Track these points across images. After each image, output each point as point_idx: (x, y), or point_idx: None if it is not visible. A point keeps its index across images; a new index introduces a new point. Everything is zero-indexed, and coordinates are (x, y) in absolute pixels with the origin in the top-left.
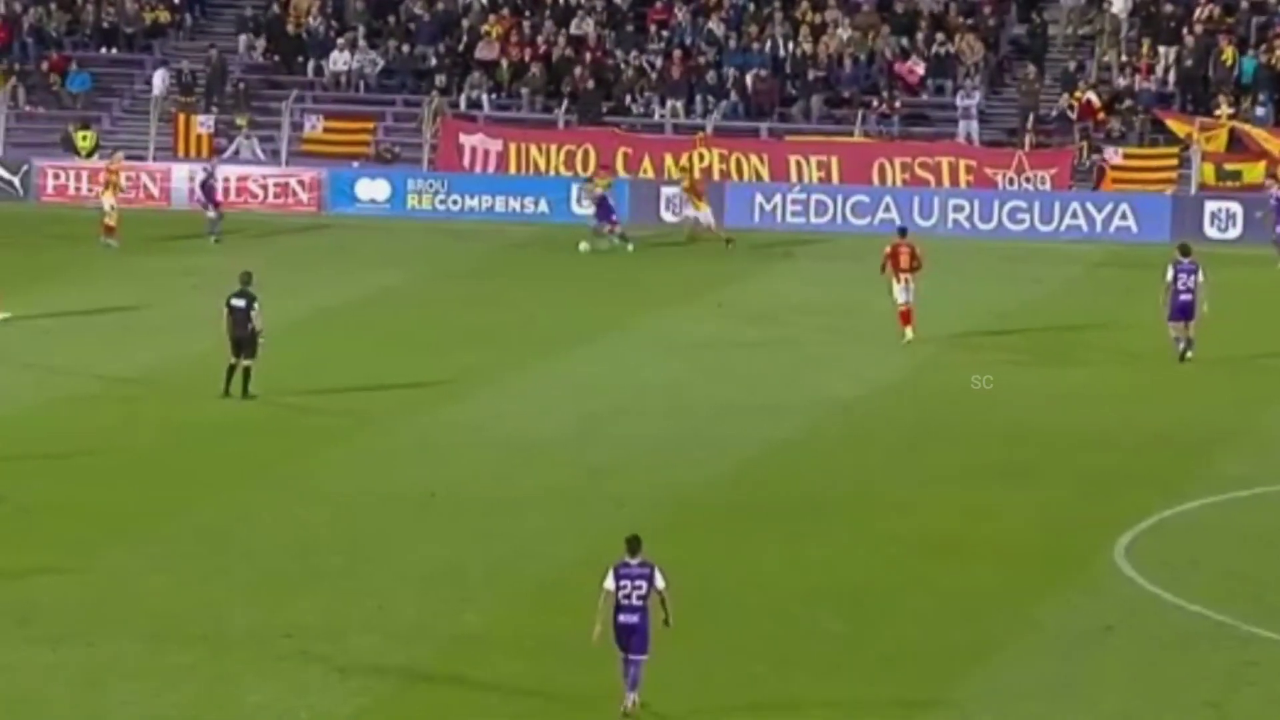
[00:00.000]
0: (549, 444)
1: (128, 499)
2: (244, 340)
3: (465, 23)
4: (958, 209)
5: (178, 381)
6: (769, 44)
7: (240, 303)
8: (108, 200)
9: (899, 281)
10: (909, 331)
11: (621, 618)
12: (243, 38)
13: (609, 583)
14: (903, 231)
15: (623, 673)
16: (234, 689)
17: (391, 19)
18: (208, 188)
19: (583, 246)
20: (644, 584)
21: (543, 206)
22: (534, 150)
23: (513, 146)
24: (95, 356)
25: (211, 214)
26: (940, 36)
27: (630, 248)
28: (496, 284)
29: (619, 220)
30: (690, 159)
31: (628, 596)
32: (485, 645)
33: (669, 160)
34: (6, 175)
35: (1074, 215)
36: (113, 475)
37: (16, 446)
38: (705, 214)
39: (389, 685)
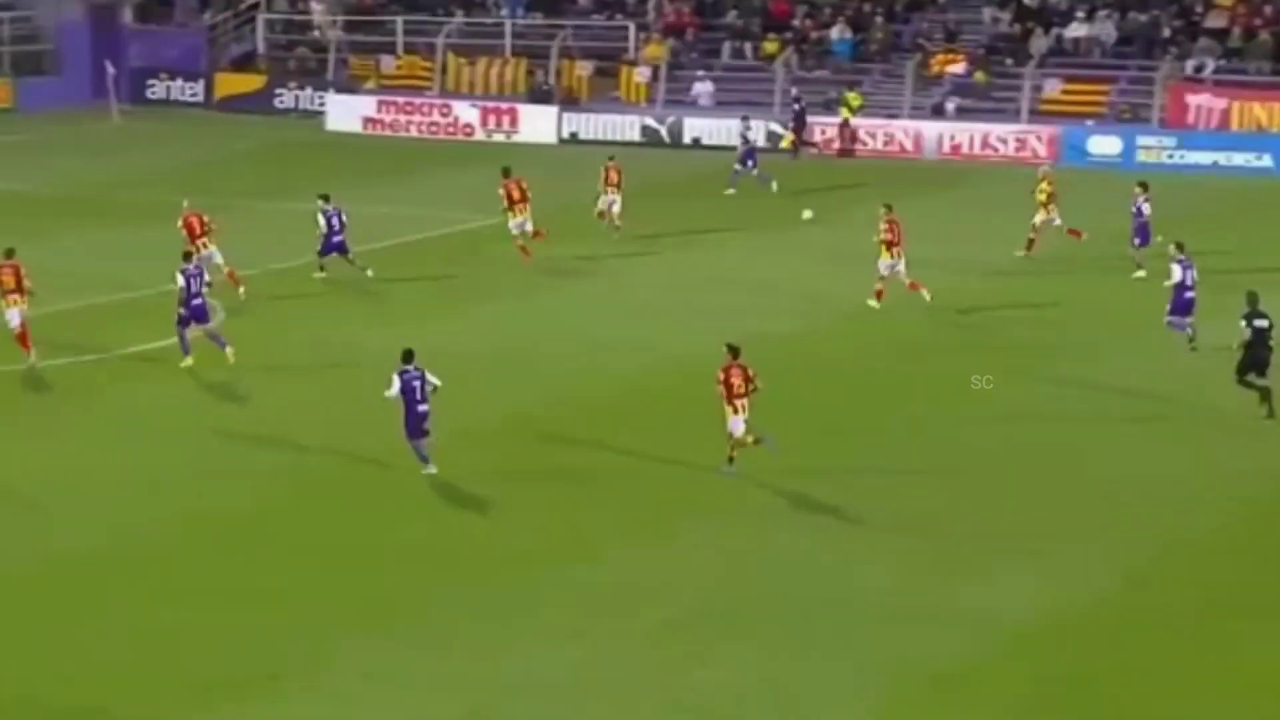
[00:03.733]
0: None
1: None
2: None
3: None
4: None
5: None
6: None
7: (1263, 323)
8: (608, 197)
9: None
10: None
11: None
12: (987, 11)
13: None
14: None
15: None
16: None
17: None
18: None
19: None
20: None
21: (1265, 160)
22: (1257, 108)
23: (1235, 105)
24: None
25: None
26: None
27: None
28: (1227, 233)
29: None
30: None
31: None
32: None
33: None
34: (781, 130)
35: None
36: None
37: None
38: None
39: None
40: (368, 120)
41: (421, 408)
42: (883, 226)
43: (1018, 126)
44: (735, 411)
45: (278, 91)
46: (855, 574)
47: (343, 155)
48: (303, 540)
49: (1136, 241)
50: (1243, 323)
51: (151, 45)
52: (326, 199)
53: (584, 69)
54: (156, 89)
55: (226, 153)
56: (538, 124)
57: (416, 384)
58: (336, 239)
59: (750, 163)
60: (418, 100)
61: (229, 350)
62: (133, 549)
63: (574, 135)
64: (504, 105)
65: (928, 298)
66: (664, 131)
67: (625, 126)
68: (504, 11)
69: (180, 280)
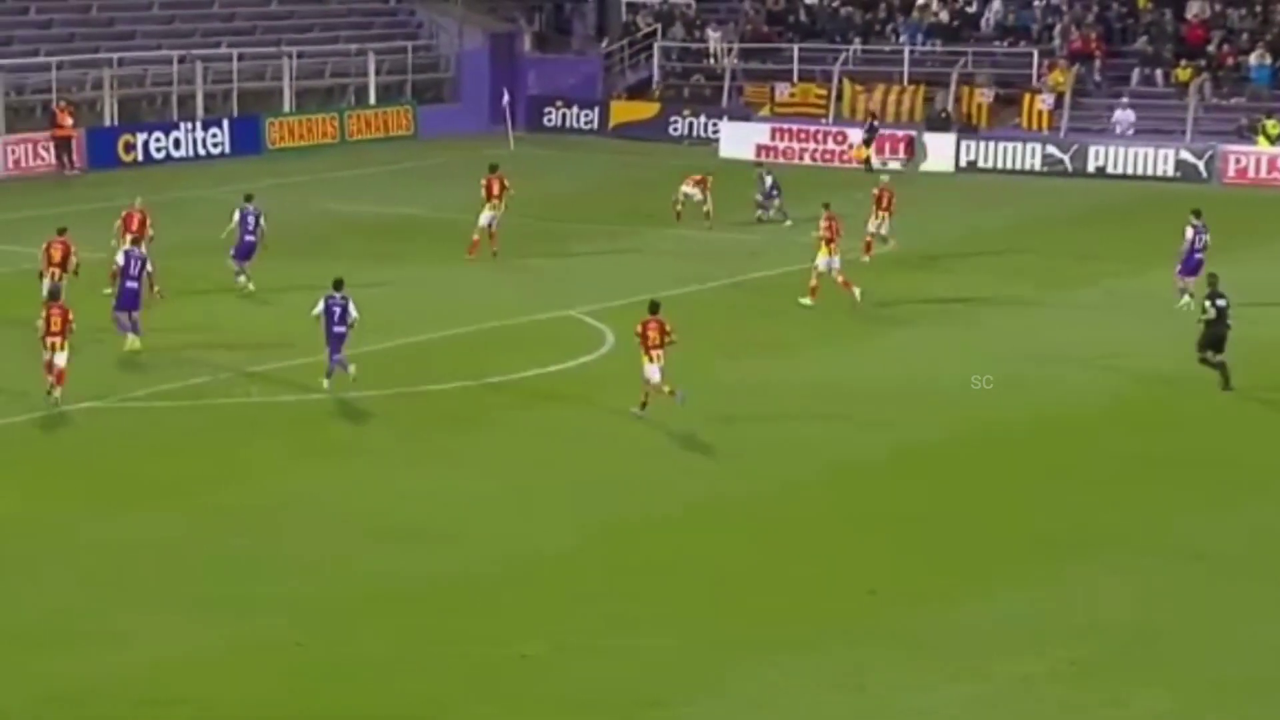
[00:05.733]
0: None
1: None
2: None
3: None
4: None
5: None
6: None
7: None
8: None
9: None
10: None
11: None
12: None
13: None
14: None
15: None
16: None
17: None
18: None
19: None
20: None
21: None
22: None
23: None
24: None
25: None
26: None
27: None
28: None
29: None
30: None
31: None
32: None
33: None
34: (1192, 159)
35: None
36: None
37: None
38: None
39: None
40: (761, 148)
41: (338, 329)
42: (822, 225)
43: None
44: (650, 360)
45: (671, 119)
46: (1273, 616)
47: (731, 182)
48: (689, 563)
49: (1179, 268)
50: (1207, 302)
51: (549, 73)
52: (249, 199)
53: (984, 96)
54: (552, 116)
55: (619, 180)
56: (935, 152)
57: (337, 309)
58: (249, 239)
59: (776, 199)
60: (812, 128)
61: (136, 338)
62: (517, 570)
63: (972, 163)
64: (900, 133)
65: (857, 297)
66: (1067, 160)
67: (1026, 154)
68: (902, 38)
69: (120, 260)
